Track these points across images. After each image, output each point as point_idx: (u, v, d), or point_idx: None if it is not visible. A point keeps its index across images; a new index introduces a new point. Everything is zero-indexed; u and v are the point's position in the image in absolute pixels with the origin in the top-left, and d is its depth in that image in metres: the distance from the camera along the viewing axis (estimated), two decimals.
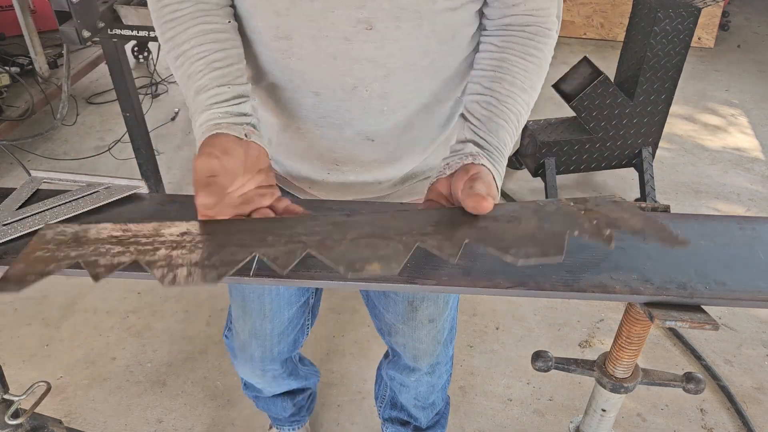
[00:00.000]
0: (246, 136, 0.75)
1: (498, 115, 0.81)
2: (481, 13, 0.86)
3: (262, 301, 1.15)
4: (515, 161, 2.92)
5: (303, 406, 1.60)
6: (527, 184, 2.85)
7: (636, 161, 2.69)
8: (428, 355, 1.27)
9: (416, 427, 1.54)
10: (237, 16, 0.87)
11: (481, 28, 0.87)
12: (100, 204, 0.85)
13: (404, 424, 1.54)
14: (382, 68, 0.83)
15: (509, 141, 0.82)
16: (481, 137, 0.80)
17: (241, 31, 0.88)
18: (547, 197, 2.60)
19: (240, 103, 0.79)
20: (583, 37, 4.48)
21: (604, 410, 0.95)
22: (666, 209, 0.90)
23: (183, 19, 0.80)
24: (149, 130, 2.54)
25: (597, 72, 2.48)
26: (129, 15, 2.16)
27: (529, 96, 0.84)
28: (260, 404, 1.55)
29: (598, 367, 0.92)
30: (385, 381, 1.50)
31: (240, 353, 1.28)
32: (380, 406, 1.60)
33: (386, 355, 1.46)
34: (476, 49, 0.89)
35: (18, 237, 0.81)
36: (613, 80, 2.57)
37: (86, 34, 2.08)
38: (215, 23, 0.81)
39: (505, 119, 0.81)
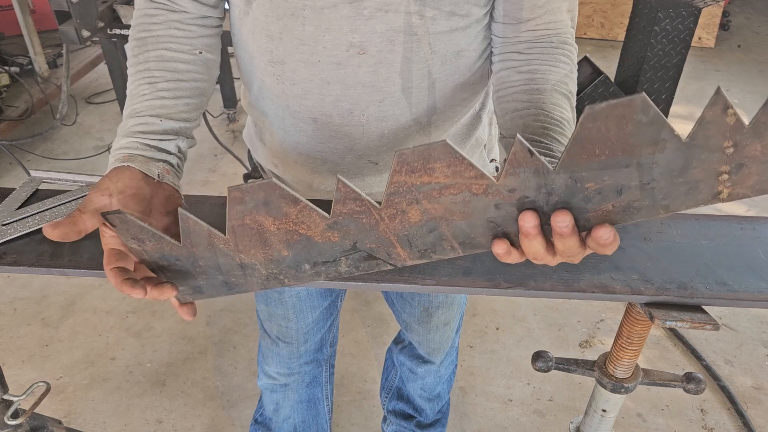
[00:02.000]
0: (159, 176, 0.72)
1: (552, 125, 0.73)
2: (488, 29, 0.83)
3: (285, 305, 1.15)
4: None
5: None
6: None
7: None
8: (441, 351, 1.33)
9: (419, 423, 1.54)
10: (239, 44, 0.86)
11: (494, 46, 0.84)
12: None
13: (408, 418, 1.54)
14: (378, 92, 0.81)
15: None
16: (546, 146, 0.72)
17: (242, 58, 0.87)
18: None
19: (167, 139, 0.76)
20: (583, 36, 4.48)
21: (604, 410, 0.95)
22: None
23: (148, 41, 0.79)
24: None
25: (597, 72, 2.48)
26: (128, 15, 2.16)
27: (570, 102, 0.78)
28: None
29: (598, 367, 0.92)
30: (395, 367, 1.50)
31: (268, 352, 1.27)
32: (385, 398, 1.59)
33: (398, 341, 1.46)
34: (488, 60, 0.86)
35: (18, 237, 0.81)
36: (613, 80, 2.57)
37: (86, 33, 2.08)
38: (180, 51, 0.80)
39: (560, 128, 0.73)
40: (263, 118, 0.93)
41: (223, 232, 0.62)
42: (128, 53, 0.81)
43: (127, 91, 0.80)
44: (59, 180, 0.93)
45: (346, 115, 0.83)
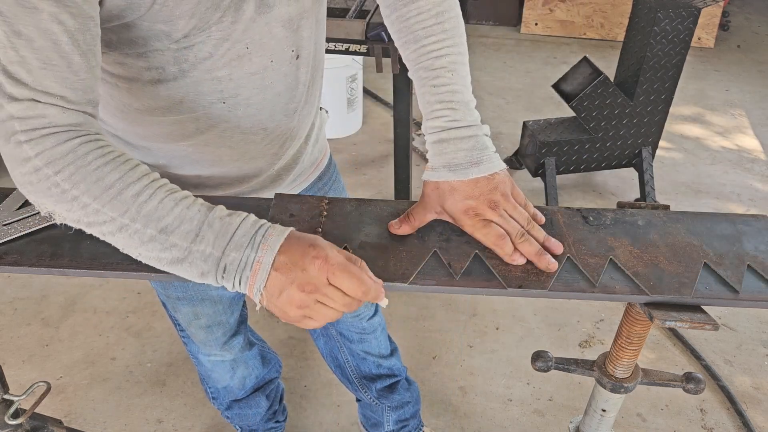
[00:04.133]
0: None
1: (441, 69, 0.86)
2: None
3: (210, 295, 1.20)
4: (515, 161, 2.92)
5: (276, 409, 1.60)
6: (527, 184, 2.85)
7: (636, 161, 2.69)
8: None
9: (403, 381, 1.54)
10: (162, 105, 0.84)
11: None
12: None
13: (392, 387, 1.53)
14: (310, 81, 0.95)
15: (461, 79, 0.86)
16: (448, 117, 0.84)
17: (180, 94, 0.84)
18: (547, 197, 2.60)
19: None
20: (583, 37, 4.48)
21: (604, 410, 0.95)
22: (666, 209, 0.90)
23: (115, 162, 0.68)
24: None
25: (597, 72, 2.48)
26: None
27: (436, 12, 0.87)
28: (234, 413, 1.54)
29: (598, 367, 0.92)
30: (342, 353, 1.47)
31: (206, 347, 1.33)
32: (365, 391, 1.56)
33: (323, 330, 1.45)
34: None
35: (18, 237, 0.81)
36: (613, 80, 2.57)
37: None
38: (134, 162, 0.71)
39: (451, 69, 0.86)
40: (203, 145, 0.92)
41: None
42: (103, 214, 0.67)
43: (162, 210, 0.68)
44: None
45: (291, 113, 0.94)
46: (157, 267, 0.70)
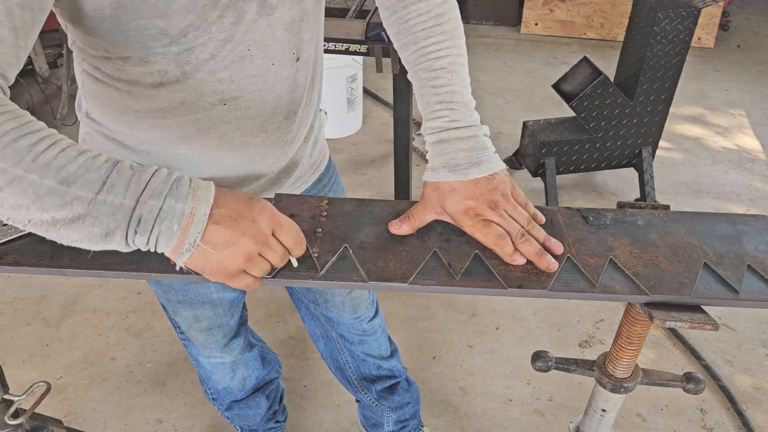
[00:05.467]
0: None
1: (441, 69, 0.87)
2: None
3: (211, 297, 1.19)
4: (515, 161, 2.92)
5: (276, 409, 1.61)
6: (527, 184, 2.85)
7: (636, 161, 2.69)
8: (364, 299, 1.34)
9: (403, 382, 1.54)
10: (164, 107, 0.84)
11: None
12: None
13: (392, 388, 1.52)
14: (309, 83, 0.95)
15: (460, 81, 0.87)
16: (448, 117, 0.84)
17: (181, 96, 0.83)
18: (547, 197, 2.60)
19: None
20: (583, 37, 4.48)
21: (604, 410, 0.95)
22: (666, 209, 0.90)
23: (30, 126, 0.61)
24: None
25: (597, 72, 2.48)
26: None
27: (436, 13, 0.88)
28: (235, 414, 1.54)
29: (598, 367, 0.92)
30: (343, 354, 1.47)
31: (206, 350, 1.33)
32: (365, 392, 1.55)
33: (323, 331, 1.45)
34: None
35: (18, 237, 0.81)
36: (613, 80, 2.57)
37: None
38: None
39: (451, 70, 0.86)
40: (202, 146, 0.92)
41: None
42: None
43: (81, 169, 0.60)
44: None
45: (292, 115, 0.94)
46: (47, 233, 0.61)
